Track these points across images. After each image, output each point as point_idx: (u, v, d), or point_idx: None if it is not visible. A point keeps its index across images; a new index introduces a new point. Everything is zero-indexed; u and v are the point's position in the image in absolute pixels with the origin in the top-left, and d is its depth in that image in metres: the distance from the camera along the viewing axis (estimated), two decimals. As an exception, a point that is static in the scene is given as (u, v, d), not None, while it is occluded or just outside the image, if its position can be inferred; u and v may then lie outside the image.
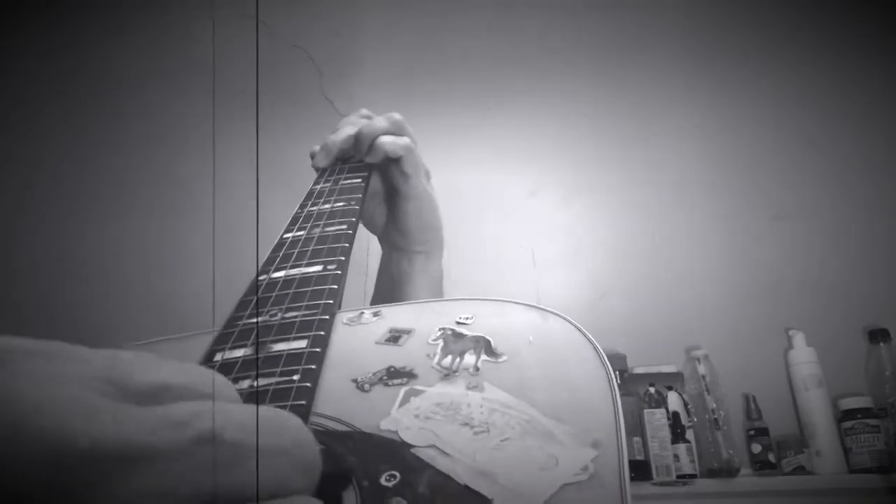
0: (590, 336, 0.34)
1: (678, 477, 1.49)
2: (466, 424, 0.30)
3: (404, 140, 0.61)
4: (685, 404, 1.59)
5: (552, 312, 0.37)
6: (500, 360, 0.34)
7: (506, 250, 1.83)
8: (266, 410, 0.21)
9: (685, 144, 1.92)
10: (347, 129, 0.63)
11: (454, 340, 0.36)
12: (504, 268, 1.81)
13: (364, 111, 0.66)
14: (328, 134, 0.66)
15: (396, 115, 0.62)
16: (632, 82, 1.98)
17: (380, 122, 0.61)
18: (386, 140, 0.60)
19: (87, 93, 1.99)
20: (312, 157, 0.65)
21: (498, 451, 0.29)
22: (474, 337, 0.36)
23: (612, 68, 1.99)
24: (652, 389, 1.55)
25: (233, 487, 0.19)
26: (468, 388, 0.33)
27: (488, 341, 0.36)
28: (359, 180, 0.60)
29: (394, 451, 0.30)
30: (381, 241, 0.68)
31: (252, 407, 0.21)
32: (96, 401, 0.19)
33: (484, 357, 0.35)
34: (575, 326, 0.36)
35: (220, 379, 0.22)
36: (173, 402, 0.20)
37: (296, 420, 0.22)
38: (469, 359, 0.35)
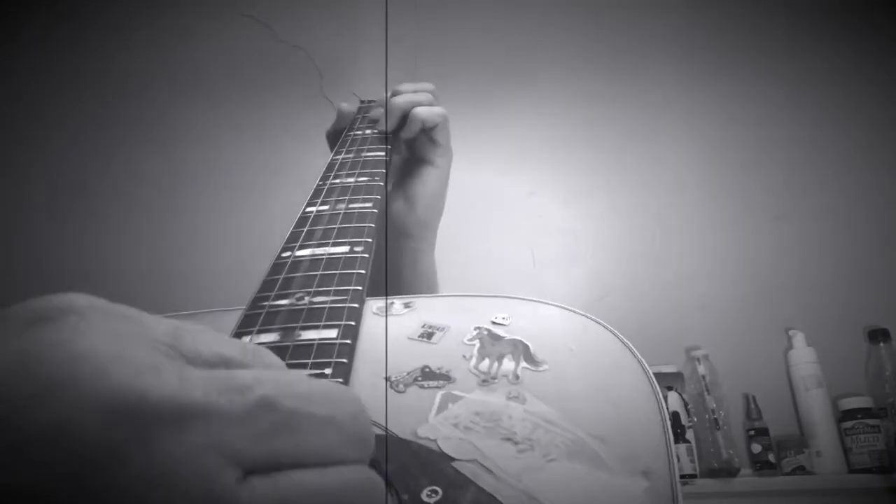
0: (633, 348, 0.32)
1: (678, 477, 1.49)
2: (509, 440, 0.29)
3: (439, 109, 0.61)
4: (685, 404, 1.58)
5: (592, 319, 0.35)
6: (540, 368, 0.33)
7: (506, 250, 1.82)
8: (327, 383, 0.22)
9: (685, 144, 1.91)
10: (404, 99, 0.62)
11: (491, 342, 0.34)
12: (504, 268, 1.80)
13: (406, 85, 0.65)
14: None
15: (429, 85, 0.63)
16: (632, 82, 1.97)
17: (416, 96, 0.62)
18: (421, 111, 0.60)
19: (88, 93, 1.96)
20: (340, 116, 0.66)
21: (543, 472, 0.27)
22: (512, 340, 0.35)
23: (612, 69, 1.98)
24: (652, 389, 1.54)
25: (279, 452, 0.19)
26: (508, 398, 0.31)
27: (527, 346, 0.34)
28: (382, 153, 0.58)
29: (434, 462, 0.28)
30: None
31: (312, 380, 0.22)
32: (163, 360, 0.19)
33: (523, 364, 0.33)
34: (617, 337, 0.34)
35: (276, 358, 0.23)
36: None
37: (356, 396, 0.22)
38: (508, 364, 0.33)
